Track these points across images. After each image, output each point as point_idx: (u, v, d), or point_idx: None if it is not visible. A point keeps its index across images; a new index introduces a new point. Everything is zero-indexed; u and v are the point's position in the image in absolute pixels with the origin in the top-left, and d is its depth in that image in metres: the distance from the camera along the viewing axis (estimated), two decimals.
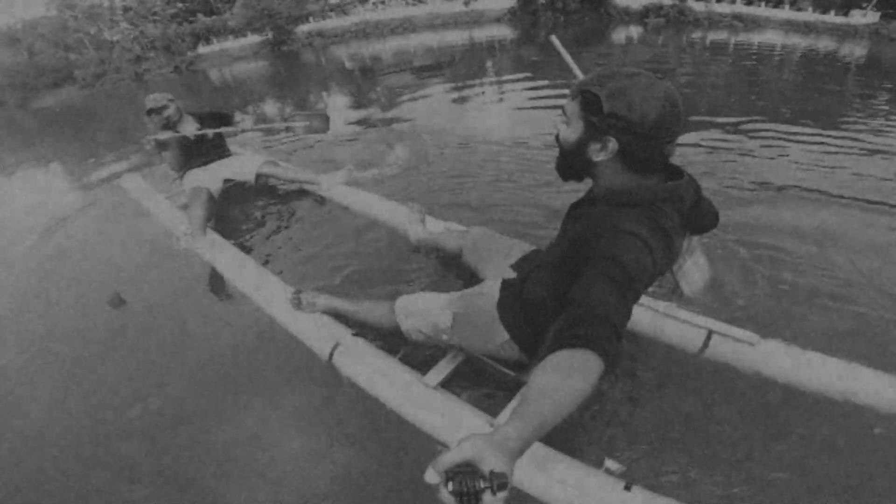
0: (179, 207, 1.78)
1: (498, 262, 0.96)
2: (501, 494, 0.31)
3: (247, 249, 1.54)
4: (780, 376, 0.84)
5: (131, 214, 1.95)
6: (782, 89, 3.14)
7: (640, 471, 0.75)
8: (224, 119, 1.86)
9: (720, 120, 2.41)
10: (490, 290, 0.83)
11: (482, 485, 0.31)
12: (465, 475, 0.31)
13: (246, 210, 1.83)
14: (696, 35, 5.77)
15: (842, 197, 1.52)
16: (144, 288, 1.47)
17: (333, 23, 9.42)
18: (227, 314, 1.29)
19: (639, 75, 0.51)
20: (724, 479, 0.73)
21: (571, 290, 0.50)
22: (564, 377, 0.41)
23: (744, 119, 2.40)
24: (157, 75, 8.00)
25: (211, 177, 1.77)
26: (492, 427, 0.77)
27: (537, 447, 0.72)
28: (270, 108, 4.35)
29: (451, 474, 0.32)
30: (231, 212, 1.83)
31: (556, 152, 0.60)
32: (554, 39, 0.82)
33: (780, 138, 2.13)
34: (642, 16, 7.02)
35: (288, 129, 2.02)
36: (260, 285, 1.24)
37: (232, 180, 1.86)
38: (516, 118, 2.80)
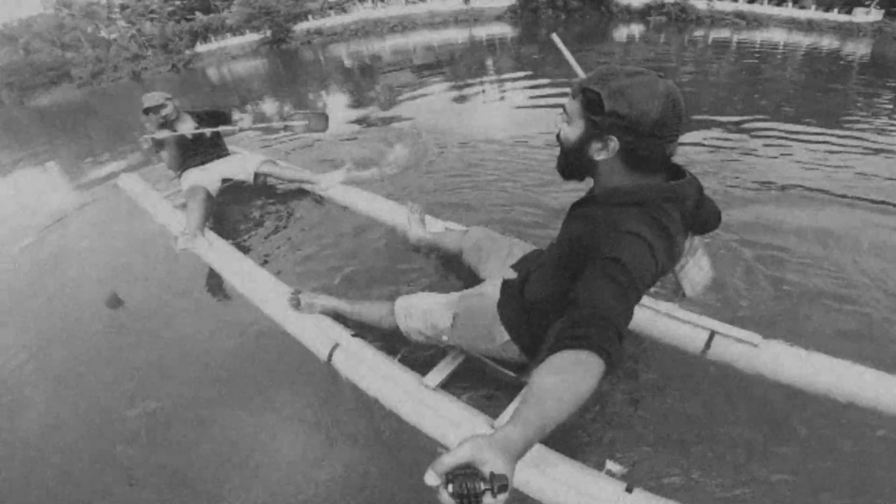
0: (177, 207, 1.77)
1: (498, 262, 0.95)
2: (502, 496, 0.31)
3: (245, 249, 1.54)
4: (782, 377, 0.83)
5: (128, 214, 1.94)
6: (785, 88, 3.12)
7: (642, 472, 0.74)
8: (222, 118, 1.85)
9: (722, 119, 2.40)
10: (490, 290, 0.82)
11: (483, 487, 0.31)
12: (466, 477, 0.31)
13: (244, 210, 1.82)
14: (699, 33, 5.73)
15: (845, 196, 1.51)
16: (142, 288, 1.46)
17: (332, 21, 9.39)
18: (224, 315, 1.28)
19: (640, 74, 0.51)
20: (727, 480, 0.72)
21: (572, 290, 0.49)
22: (566, 378, 0.40)
23: (746, 118, 2.39)
24: (154, 74, 7.96)
25: (209, 176, 1.76)
26: (492, 429, 0.77)
27: (538, 449, 0.72)
28: (269, 106, 4.33)
29: (452, 476, 0.32)
30: (229, 211, 1.82)
31: (556, 151, 0.59)
32: (555, 38, 0.81)
33: (782, 137, 2.12)
34: (644, 14, 6.99)
35: (286, 127, 2.01)
36: (258, 286, 1.23)
37: (230, 180, 1.85)
38: (517, 117, 2.79)
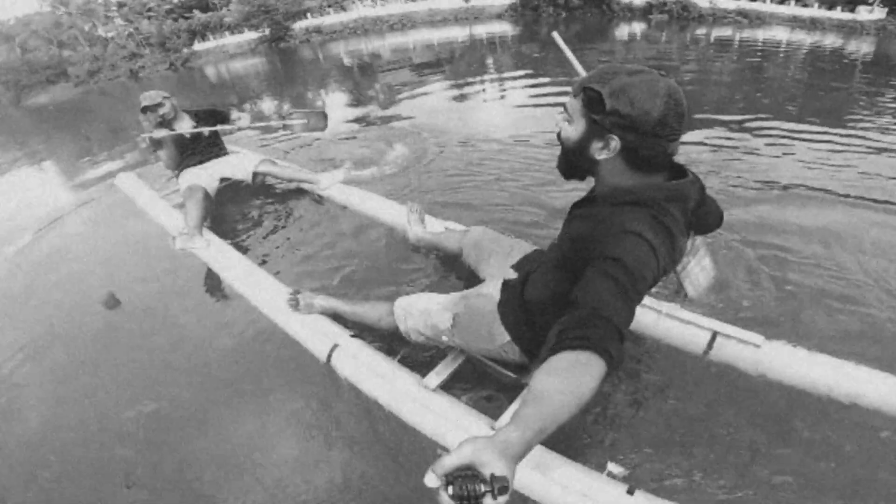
0: (175, 207, 1.77)
1: (499, 262, 0.95)
2: (502, 498, 0.31)
3: (243, 249, 1.53)
4: (785, 378, 0.83)
5: (126, 214, 1.93)
6: (788, 86, 3.10)
7: (644, 474, 0.74)
8: (220, 117, 1.83)
9: (724, 118, 2.38)
10: (491, 290, 0.82)
11: (483, 488, 0.31)
12: (466, 479, 0.31)
13: (243, 209, 1.81)
14: (700, 31, 5.71)
15: (848, 196, 1.50)
16: (139, 288, 1.45)
17: (332, 19, 9.34)
18: (223, 315, 1.27)
19: (642, 72, 0.50)
20: (729, 482, 0.72)
21: (573, 290, 0.49)
22: (566, 379, 0.40)
23: (749, 117, 2.37)
24: (152, 72, 7.92)
25: (207, 175, 1.75)
26: (493, 430, 0.76)
27: (539, 450, 0.72)
28: (268, 105, 4.31)
29: (452, 478, 0.31)
30: (228, 211, 1.81)
31: (557, 150, 0.59)
32: (556, 36, 0.81)
33: (785, 136, 2.11)
34: (645, 12, 6.94)
35: (285, 127, 1.99)
36: (257, 286, 1.23)
37: (228, 179, 1.84)
38: (517, 116, 2.78)
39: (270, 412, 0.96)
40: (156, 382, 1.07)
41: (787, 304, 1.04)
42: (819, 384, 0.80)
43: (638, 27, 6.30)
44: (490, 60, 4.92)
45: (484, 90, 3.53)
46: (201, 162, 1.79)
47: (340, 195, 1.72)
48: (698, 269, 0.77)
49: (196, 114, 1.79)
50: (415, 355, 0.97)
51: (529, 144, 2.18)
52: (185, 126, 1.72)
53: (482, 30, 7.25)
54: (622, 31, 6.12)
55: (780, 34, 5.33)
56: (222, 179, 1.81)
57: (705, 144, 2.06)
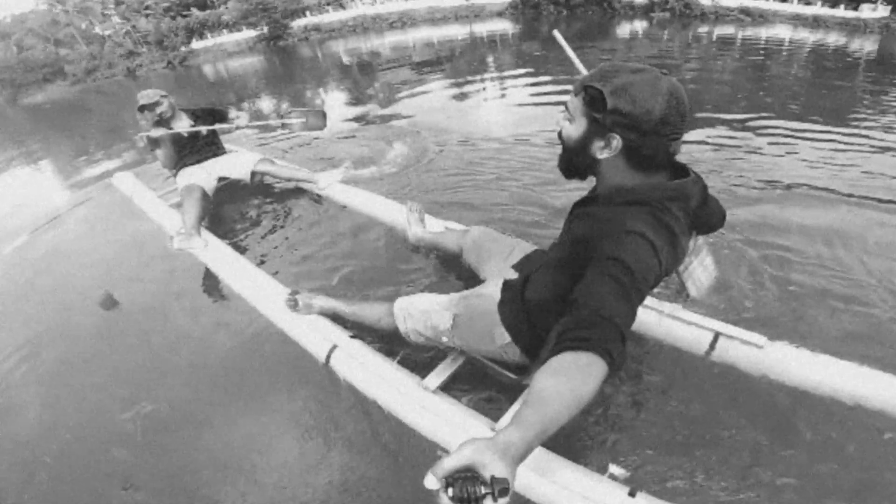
0: (172, 206, 1.76)
1: (499, 262, 0.94)
2: (503, 500, 0.30)
3: (242, 249, 1.52)
4: (788, 379, 0.82)
5: (123, 213, 1.92)
6: (790, 85, 3.08)
7: (645, 476, 0.74)
8: (218, 116, 1.82)
9: (727, 117, 2.37)
10: (491, 291, 0.81)
11: (483, 490, 0.30)
12: (466, 481, 0.31)
13: (241, 209, 1.80)
14: (703, 30, 5.68)
15: (852, 195, 1.49)
16: (136, 289, 1.44)
17: (330, 17, 9.30)
18: (221, 316, 1.26)
19: (643, 71, 0.50)
20: (731, 484, 0.72)
21: (574, 291, 0.49)
22: (567, 380, 0.40)
23: (751, 116, 2.36)
24: (149, 71, 7.89)
25: (205, 175, 1.74)
26: (493, 431, 0.76)
27: (540, 452, 0.71)
28: (266, 104, 4.30)
29: (452, 480, 0.31)
30: (226, 211, 1.80)
31: (558, 150, 0.59)
32: (557, 34, 0.81)
33: (788, 135, 2.09)
34: (647, 10, 6.91)
35: (284, 125, 1.99)
36: (255, 286, 1.22)
37: (226, 178, 1.83)
38: (518, 115, 2.77)
39: (269, 413, 0.95)
40: (153, 383, 1.06)
41: (789, 305, 1.03)
42: (822, 385, 0.80)
43: (639, 25, 6.28)
44: (490, 59, 4.91)
45: (484, 89, 3.52)
46: (199, 161, 1.78)
47: (339, 195, 1.71)
48: (700, 269, 0.76)
49: (194, 112, 1.78)
50: (414, 356, 0.97)
51: (530, 143, 2.16)
52: (183, 125, 1.71)
53: (482, 28, 7.24)
54: (624, 30, 6.10)
55: (783, 32, 5.31)
56: (220, 179, 1.80)
57: (707, 143, 2.04)
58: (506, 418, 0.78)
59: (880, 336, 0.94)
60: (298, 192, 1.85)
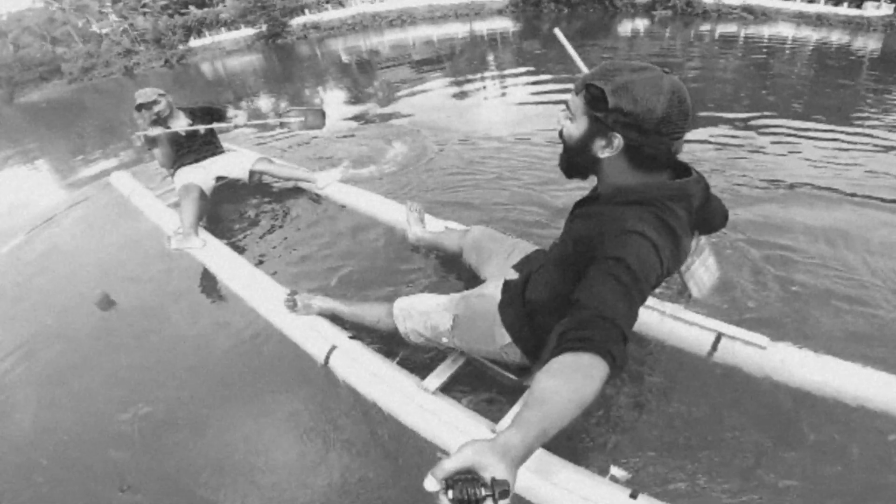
0: (170, 206, 1.75)
1: (499, 262, 0.94)
2: (503, 502, 0.30)
3: (240, 249, 1.51)
4: (791, 381, 0.82)
5: (120, 213, 1.92)
6: (793, 84, 3.05)
7: (647, 478, 0.73)
8: (216, 114, 1.82)
9: (729, 115, 2.35)
10: (491, 291, 0.81)
11: (483, 492, 0.30)
12: (466, 483, 0.31)
13: (239, 209, 1.80)
14: (705, 28, 5.64)
15: (855, 195, 1.48)
16: (134, 289, 1.44)
17: (330, 15, 9.25)
18: (219, 316, 1.26)
19: (645, 69, 0.49)
20: (734, 486, 0.71)
21: (575, 291, 0.49)
22: (568, 382, 0.40)
23: (754, 114, 2.34)
24: (147, 69, 7.85)
25: (203, 174, 1.73)
26: (493, 433, 0.76)
27: (540, 454, 0.71)
28: (264, 103, 4.28)
29: (452, 482, 0.31)
30: (224, 210, 1.79)
31: (559, 149, 0.58)
32: (558, 32, 0.80)
33: (791, 134, 2.08)
34: (649, 8, 6.86)
35: (283, 124, 1.97)
36: (253, 286, 1.21)
37: (225, 178, 1.82)
38: (518, 114, 2.75)
39: (267, 415, 0.95)
40: (151, 384, 1.06)
41: (792, 305, 1.03)
42: (825, 386, 0.79)
43: (641, 23, 6.25)
44: (491, 57, 4.88)
45: (484, 87, 3.50)
46: (197, 160, 1.77)
47: (338, 194, 1.70)
48: (702, 269, 0.76)
49: (192, 111, 1.77)
50: (414, 357, 0.96)
51: (531, 143, 2.15)
52: (181, 124, 1.70)
53: (483, 26, 7.21)
54: (625, 28, 6.07)
55: (786, 30, 5.27)
56: (218, 178, 1.79)
57: (710, 142, 2.03)
58: (506, 420, 0.78)
59: (884, 336, 0.93)
60: (297, 191, 1.84)
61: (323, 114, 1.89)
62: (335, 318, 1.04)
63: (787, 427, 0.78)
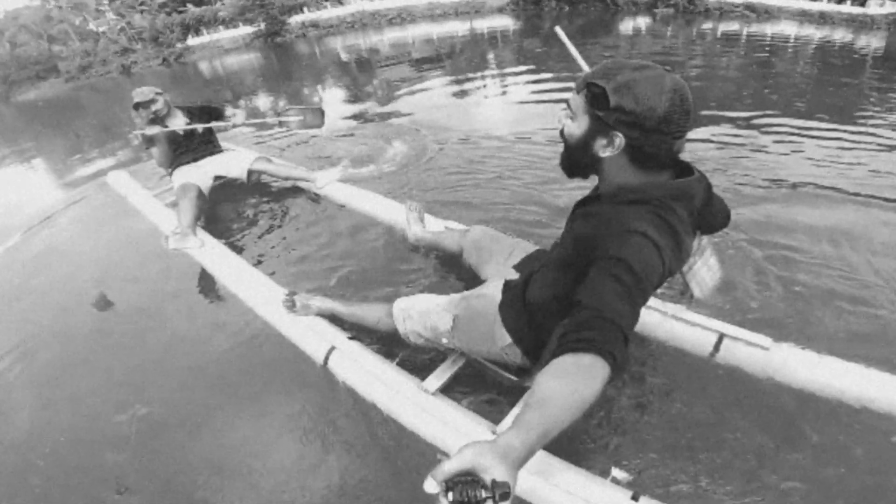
0: (168, 205, 1.74)
1: (500, 262, 0.93)
2: None
3: (238, 249, 1.51)
4: (794, 382, 0.81)
5: (117, 213, 1.91)
6: (796, 82, 3.03)
7: (649, 480, 0.73)
8: (214, 113, 1.81)
9: (732, 114, 2.35)
10: (491, 291, 0.81)
11: (484, 494, 0.30)
12: (466, 485, 0.31)
13: (237, 208, 1.79)
14: (707, 26, 5.62)
15: (859, 195, 1.47)
16: (131, 289, 1.43)
17: (329, 13, 9.22)
18: (217, 317, 1.25)
19: (647, 68, 0.49)
20: (736, 488, 0.71)
21: (577, 291, 0.49)
22: (569, 383, 0.39)
23: (756, 113, 2.33)
24: (144, 68, 7.82)
25: (201, 173, 1.72)
26: (494, 435, 0.75)
27: (541, 456, 0.70)
28: (263, 101, 4.27)
29: (452, 484, 0.31)
30: (222, 210, 1.79)
31: (560, 148, 0.58)
32: (559, 31, 0.80)
33: (794, 133, 2.07)
34: (651, 6, 6.84)
35: (281, 123, 1.96)
36: (252, 287, 1.21)
37: (223, 177, 1.82)
38: (519, 113, 2.75)
39: (266, 416, 0.94)
40: (148, 385, 1.05)
41: (795, 306, 1.02)
42: (828, 387, 0.79)
43: (643, 21, 6.23)
44: (491, 56, 4.86)
45: (485, 86, 3.49)
46: (195, 160, 1.76)
47: (338, 194, 1.70)
48: (705, 269, 0.75)
49: (190, 110, 1.76)
50: (414, 358, 0.96)
51: (531, 142, 2.14)
52: (179, 123, 1.69)
53: (483, 24, 7.19)
54: (626, 26, 6.05)
55: (789, 29, 5.24)
56: (216, 178, 1.79)
57: (712, 141, 2.02)
58: (507, 421, 0.77)
59: (887, 337, 0.93)
60: (296, 191, 1.84)
61: (322, 113, 1.88)
62: (334, 319, 1.04)
63: (790, 428, 0.78)
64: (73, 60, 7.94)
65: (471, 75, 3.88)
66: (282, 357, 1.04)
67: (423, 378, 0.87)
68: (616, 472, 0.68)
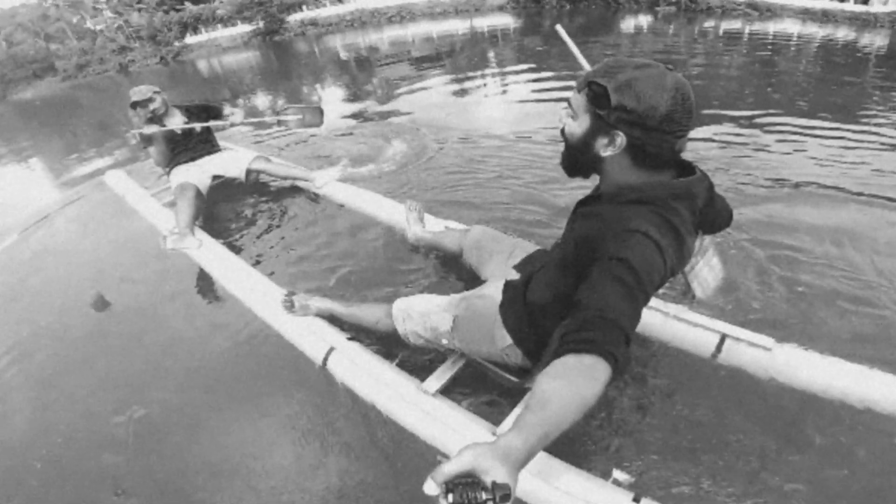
0: (166, 205, 1.74)
1: (500, 262, 0.93)
2: None
3: (236, 249, 1.50)
4: (796, 383, 0.81)
5: (115, 212, 1.90)
6: (799, 81, 3.02)
7: (650, 482, 0.72)
8: (213, 112, 1.80)
9: (734, 113, 2.34)
10: (492, 291, 0.80)
11: (484, 496, 0.30)
12: (466, 486, 0.31)
13: (236, 208, 1.78)
14: (709, 24, 5.60)
15: (862, 194, 1.46)
16: (129, 290, 1.43)
17: (328, 11, 9.18)
18: (215, 317, 1.25)
19: (648, 66, 0.49)
20: (738, 489, 0.70)
21: (577, 291, 0.48)
22: (570, 384, 0.39)
23: (759, 112, 2.32)
24: (142, 66, 7.79)
25: (199, 173, 1.72)
26: (494, 436, 0.75)
27: (542, 457, 0.70)
28: (261, 100, 4.26)
29: (452, 485, 0.31)
30: (220, 210, 1.78)
31: (561, 147, 0.57)
32: (560, 29, 0.79)
33: (796, 133, 2.06)
34: (652, 4, 6.82)
35: (280, 122, 1.95)
36: (250, 287, 1.20)
37: (221, 176, 1.81)
38: (519, 112, 2.74)
39: (264, 417, 0.94)
40: (146, 386, 1.05)
41: (798, 306, 1.01)
42: (831, 388, 0.78)
43: (644, 20, 6.22)
44: (491, 54, 4.84)
45: (485, 85, 3.48)
46: (193, 159, 1.75)
47: (337, 193, 1.69)
48: (707, 269, 0.75)
49: (188, 109, 1.75)
50: (413, 359, 0.95)
51: (532, 141, 2.13)
52: (177, 122, 1.68)
53: (483, 22, 7.16)
54: (628, 24, 6.03)
55: (791, 27, 5.22)
56: (215, 177, 1.78)
57: (714, 141, 2.01)
58: (507, 422, 0.77)
59: (891, 338, 0.92)
60: (295, 190, 1.83)
61: (321, 112, 1.87)
62: (333, 319, 1.03)
63: (793, 430, 0.77)
64: (70, 59, 7.91)
65: (471, 74, 3.87)
66: (280, 358, 1.03)
67: (422, 379, 0.86)
68: (617, 474, 0.68)
